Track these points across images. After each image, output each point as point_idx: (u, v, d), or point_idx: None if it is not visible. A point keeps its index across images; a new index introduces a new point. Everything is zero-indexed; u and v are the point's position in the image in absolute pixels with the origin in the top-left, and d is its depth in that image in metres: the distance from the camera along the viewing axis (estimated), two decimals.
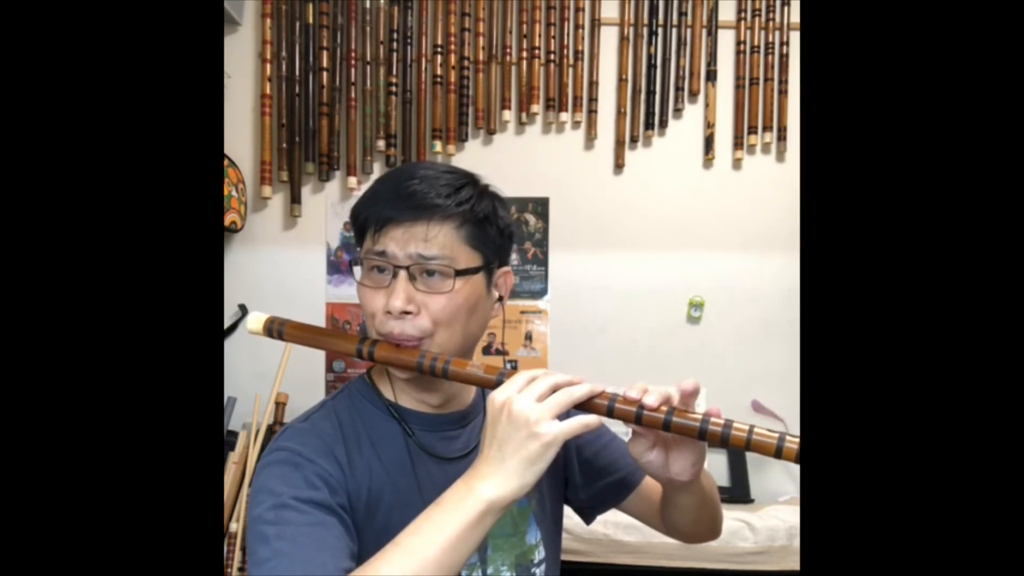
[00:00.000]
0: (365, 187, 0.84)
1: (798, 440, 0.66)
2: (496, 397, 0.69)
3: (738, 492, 2.12)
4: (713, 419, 0.69)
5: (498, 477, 0.66)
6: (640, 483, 0.95)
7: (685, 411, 0.70)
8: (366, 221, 0.80)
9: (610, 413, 0.71)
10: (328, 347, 0.84)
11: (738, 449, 0.69)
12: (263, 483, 0.74)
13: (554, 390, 0.69)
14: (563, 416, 0.68)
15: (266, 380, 2.13)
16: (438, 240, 0.77)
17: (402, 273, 0.77)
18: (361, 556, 0.72)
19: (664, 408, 0.70)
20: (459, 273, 0.78)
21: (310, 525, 0.70)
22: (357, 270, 0.81)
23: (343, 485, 0.76)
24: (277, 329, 0.81)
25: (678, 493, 0.83)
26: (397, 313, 0.76)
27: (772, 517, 1.90)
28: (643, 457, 0.77)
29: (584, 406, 0.70)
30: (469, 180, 0.82)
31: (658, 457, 0.76)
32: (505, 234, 0.84)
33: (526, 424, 0.66)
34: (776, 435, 0.68)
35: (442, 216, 0.77)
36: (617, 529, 1.84)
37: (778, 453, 0.67)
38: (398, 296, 0.76)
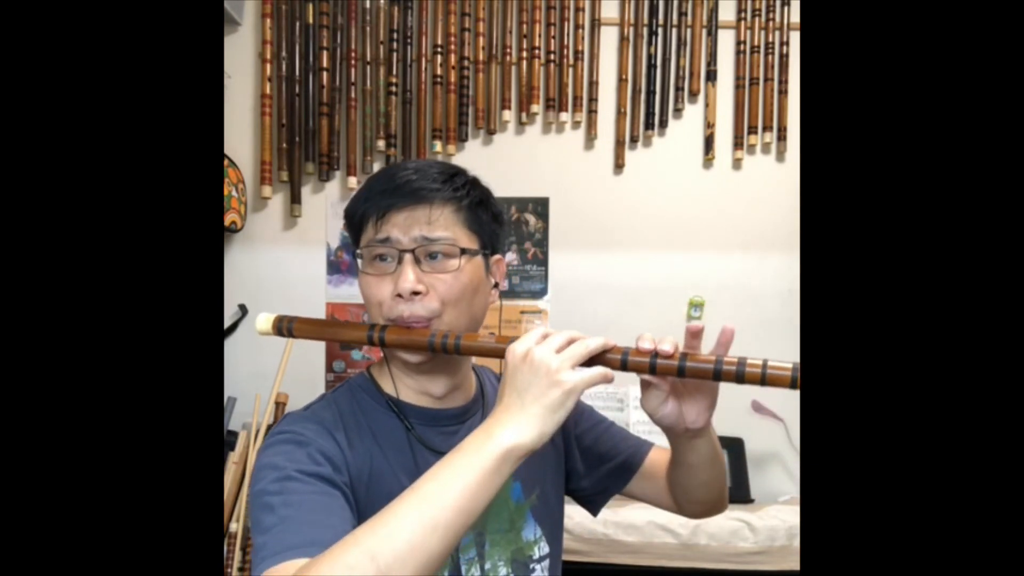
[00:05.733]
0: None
1: None
2: (516, 348, 0.70)
3: (738, 492, 2.11)
4: (726, 358, 0.70)
5: (518, 423, 0.66)
6: (643, 463, 0.96)
7: (697, 355, 0.71)
8: (364, 214, 0.81)
9: (624, 365, 0.72)
10: (338, 338, 0.85)
11: (754, 384, 0.70)
12: (266, 461, 0.74)
13: (570, 343, 0.70)
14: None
15: (266, 380, 2.13)
16: (440, 222, 0.79)
17: (407, 256, 0.78)
18: None
19: (676, 355, 0.71)
20: (463, 252, 0.80)
21: (315, 494, 0.70)
22: (359, 262, 0.82)
23: (345, 465, 0.76)
24: (287, 327, 0.82)
25: (691, 445, 0.83)
26: (407, 295, 0.77)
27: (772, 517, 1.89)
28: (658, 410, 0.78)
29: (598, 359, 0.72)
30: (459, 170, 0.85)
31: (673, 408, 0.78)
32: (498, 220, 0.86)
33: (547, 372, 0.67)
34: (790, 366, 0.68)
35: (441, 200, 0.80)
36: (617, 529, 1.84)
37: (793, 383, 0.68)
38: (407, 278, 0.77)
